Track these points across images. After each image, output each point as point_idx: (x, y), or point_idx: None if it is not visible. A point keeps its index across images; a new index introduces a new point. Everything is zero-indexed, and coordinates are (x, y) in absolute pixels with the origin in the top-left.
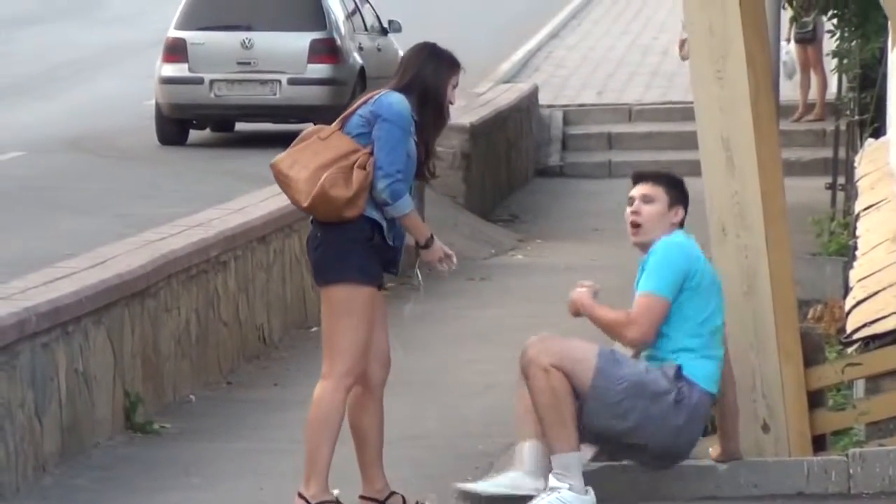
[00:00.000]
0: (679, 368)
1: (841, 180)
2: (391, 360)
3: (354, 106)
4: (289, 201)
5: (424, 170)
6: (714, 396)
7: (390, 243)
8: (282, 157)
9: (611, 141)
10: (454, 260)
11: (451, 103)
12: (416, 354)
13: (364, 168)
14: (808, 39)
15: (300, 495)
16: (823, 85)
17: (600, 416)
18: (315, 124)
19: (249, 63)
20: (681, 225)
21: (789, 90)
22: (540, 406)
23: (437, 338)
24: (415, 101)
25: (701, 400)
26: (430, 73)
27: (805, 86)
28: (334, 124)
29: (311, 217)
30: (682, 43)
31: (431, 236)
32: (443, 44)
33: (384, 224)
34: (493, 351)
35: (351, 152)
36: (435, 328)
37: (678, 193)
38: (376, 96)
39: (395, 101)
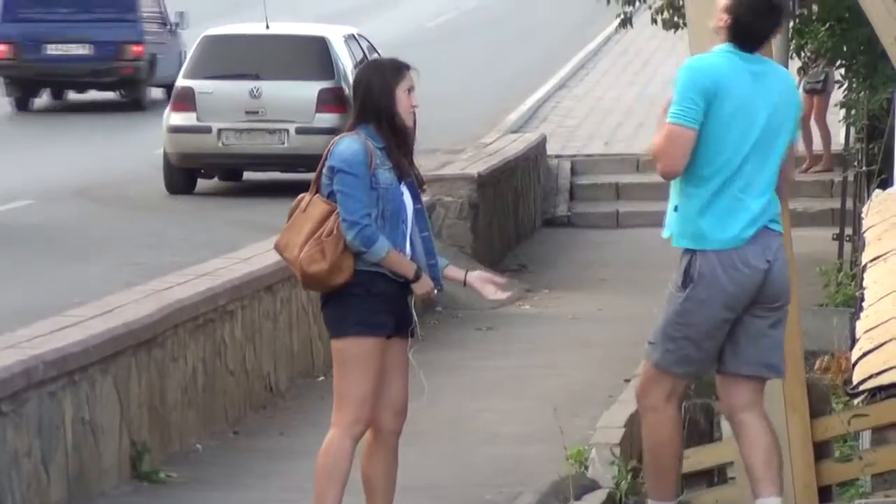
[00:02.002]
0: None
1: (848, 231)
2: (407, 409)
3: (321, 161)
4: None
5: (415, 185)
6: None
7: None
8: (278, 239)
9: (619, 191)
10: (499, 281)
11: (415, 106)
12: (424, 404)
13: (333, 233)
14: (819, 90)
15: None
16: (827, 136)
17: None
18: None
19: (257, 112)
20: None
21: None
22: (643, 448)
23: (444, 387)
24: (374, 127)
25: (701, 267)
26: (377, 90)
27: (807, 137)
28: (311, 189)
29: None
30: None
31: (418, 269)
32: (451, 96)
33: (386, 271)
34: (500, 401)
35: (326, 217)
36: (442, 377)
37: None
38: (331, 146)
39: (342, 148)
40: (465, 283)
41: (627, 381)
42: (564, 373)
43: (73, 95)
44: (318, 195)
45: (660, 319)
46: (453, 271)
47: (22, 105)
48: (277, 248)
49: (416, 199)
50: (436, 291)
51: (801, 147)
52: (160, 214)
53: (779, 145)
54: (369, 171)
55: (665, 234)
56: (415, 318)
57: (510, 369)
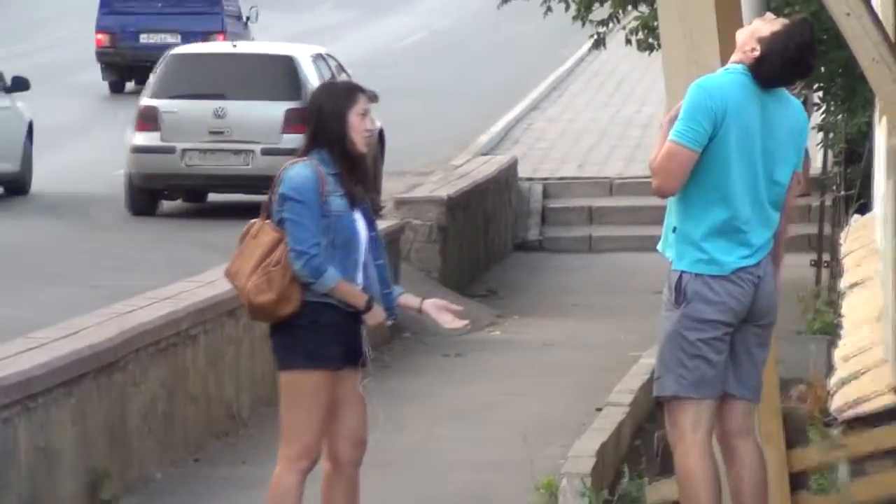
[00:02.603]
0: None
1: (826, 257)
2: (366, 440)
3: (272, 187)
4: None
5: (370, 212)
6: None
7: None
8: (228, 266)
9: (592, 215)
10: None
11: (370, 130)
12: (389, 432)
13: (280, 262)
14: None
15: None
16: (807, 160)
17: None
18: None
19: (222, 132)
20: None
21: None
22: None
23: (412, 415)
24: (326, 152)
25: (694, 285)
26: (329, 114)
27: None
28: (261, 215)
29: None
30: None
31: (370, 300)
32: (421, 117)
33: (336, 301)
34: (468, 428)
35: (275, 245)
36: (409, 405)
37: None
38: (282, 172)
39: (293, 175)
40: (420, 312)
41: (599, 409)
42: (535, 400)
43: None
44: (268, 221)
45: (662, 348)
46: (408, 299)
47: (116, 88)
48: (227, 274)
49: (370, 226)
50: (389, 322)
51: None
52: (122, 236)
53: (783, 175)
54: (320, 199)
55: (660, 247)
56: (366, 349)
57: (479, 396)
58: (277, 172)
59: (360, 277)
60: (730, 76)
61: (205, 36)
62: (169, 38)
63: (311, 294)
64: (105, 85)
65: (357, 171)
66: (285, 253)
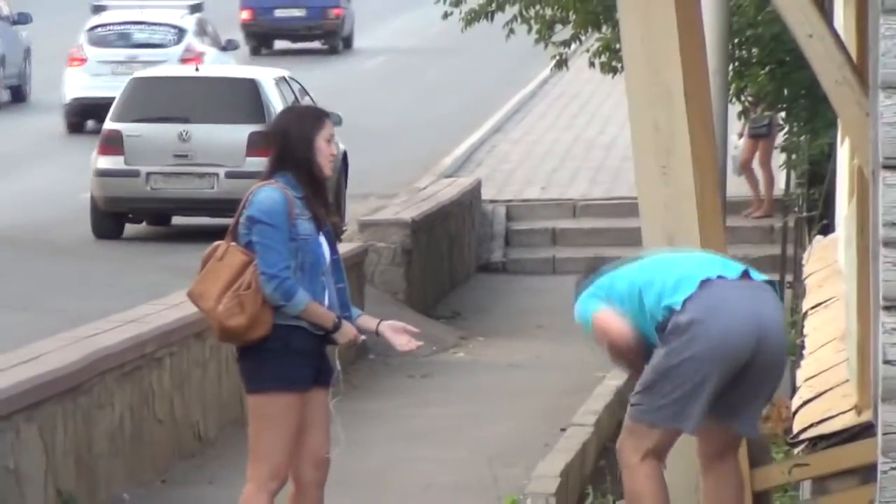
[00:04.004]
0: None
1: (789, 278)
2: (329, 460)
3: (238, 210)
4: None
5: (332, 235)
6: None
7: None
8: (192, 287)
9: (555, 237)
10: (413, 330)
11: (333, 155)
12: (355, 453)
13: (251, 286)
14: (763, 135)
15: None
16: (770, 180)
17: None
18: None
19: (187, 156)
20: None
21: (735, 187)
22: None
23: (377, 436)
24: (292, 176)
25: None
26: (296, 138)
27: (752, 181)
28: (227, 237)
29: None
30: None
31: (339, 319)
32: (384, 139)
33: (305, 324)
34: (434, 450)
35: (244, 268)
36: (374, 426)
37: None
38: (250, 195)
39: (262, 198)
40: (377, 334)
41: (563, 429)
42: (499, 421)
43: (286, 45)
44: (234, 244)
45: (646, 372)
46: (366, 321)
47: (255, 52)
48: (191, 296)
49: (332, 249)
50: (360, 339)
51: (747, 190)
52: (86, 259)
53: None
54: (289, 222)
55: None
56: (336, 367)
57: (444, 418)
58: (245, 195)
59: (326, 300)
60: None
61: (322, 11)
62: (296, 13)
63: (282, 317)
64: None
65: (321, 195)
66: (256, 276)
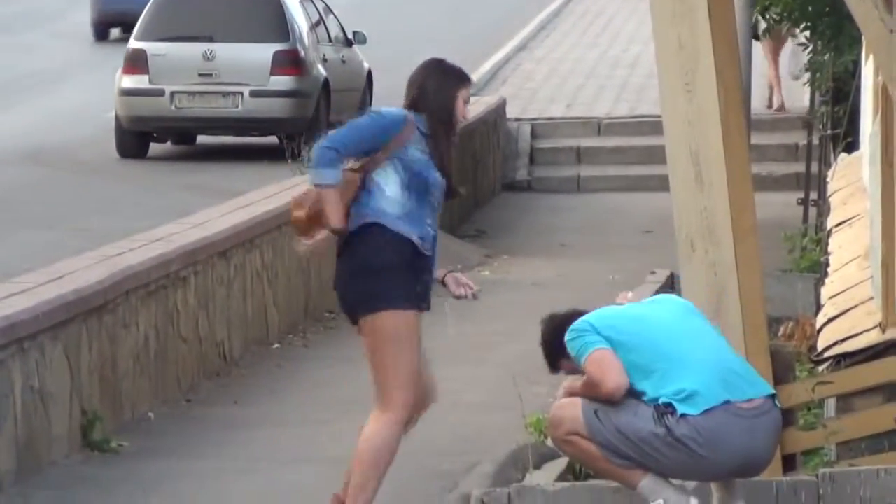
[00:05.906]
0: (661, 404)
1: (813, 195)
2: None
3: None
4: (250, 215)
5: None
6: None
7: (427, 254)
8: None
9: (580, 155)
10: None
11: (465, 118)
12: None
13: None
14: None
15: None
16: (776, 74)
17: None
18: (277, 137)
19: (211, 75)
20: None
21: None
22: (590, 469)
23: None
24: (424, 118)
25: (684, 428)
26: (435, 90)
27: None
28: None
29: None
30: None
31: (343, 229)
32: (407, 59)
33: (413, 238)
34: (459, 369)
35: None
36: None
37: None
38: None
39: (390, 107)
40: (443, 284)
41: None
42: (525, 340)
43: None
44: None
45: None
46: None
47: None
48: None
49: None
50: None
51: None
52: (111, 179)
53: None
54: (399, 145)
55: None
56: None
57: (470, 337)
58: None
59: (426, 227)
60: None
61: None
62: None
63: (402, 224)
64: (89, 30)
65: (446, 147)
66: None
